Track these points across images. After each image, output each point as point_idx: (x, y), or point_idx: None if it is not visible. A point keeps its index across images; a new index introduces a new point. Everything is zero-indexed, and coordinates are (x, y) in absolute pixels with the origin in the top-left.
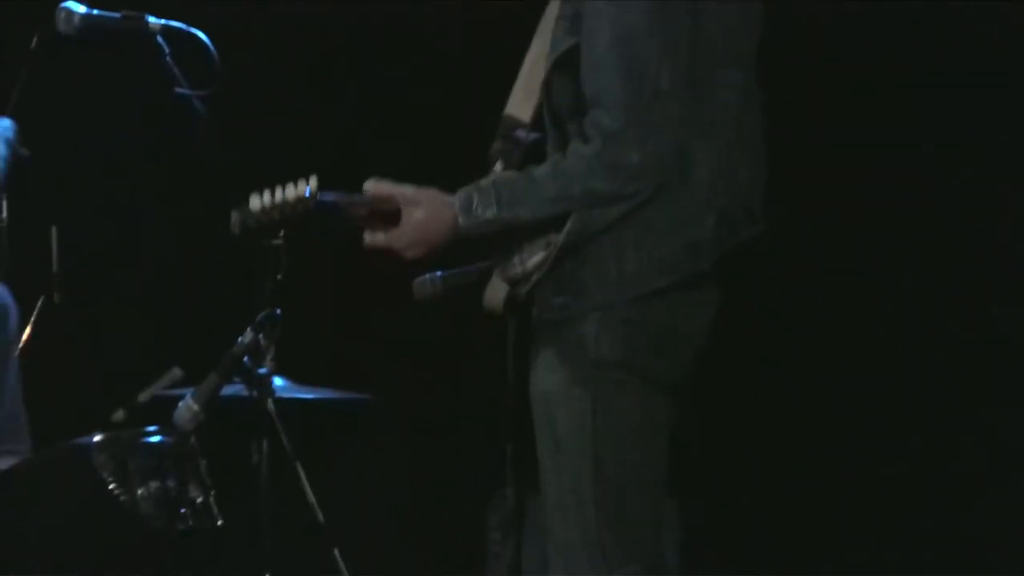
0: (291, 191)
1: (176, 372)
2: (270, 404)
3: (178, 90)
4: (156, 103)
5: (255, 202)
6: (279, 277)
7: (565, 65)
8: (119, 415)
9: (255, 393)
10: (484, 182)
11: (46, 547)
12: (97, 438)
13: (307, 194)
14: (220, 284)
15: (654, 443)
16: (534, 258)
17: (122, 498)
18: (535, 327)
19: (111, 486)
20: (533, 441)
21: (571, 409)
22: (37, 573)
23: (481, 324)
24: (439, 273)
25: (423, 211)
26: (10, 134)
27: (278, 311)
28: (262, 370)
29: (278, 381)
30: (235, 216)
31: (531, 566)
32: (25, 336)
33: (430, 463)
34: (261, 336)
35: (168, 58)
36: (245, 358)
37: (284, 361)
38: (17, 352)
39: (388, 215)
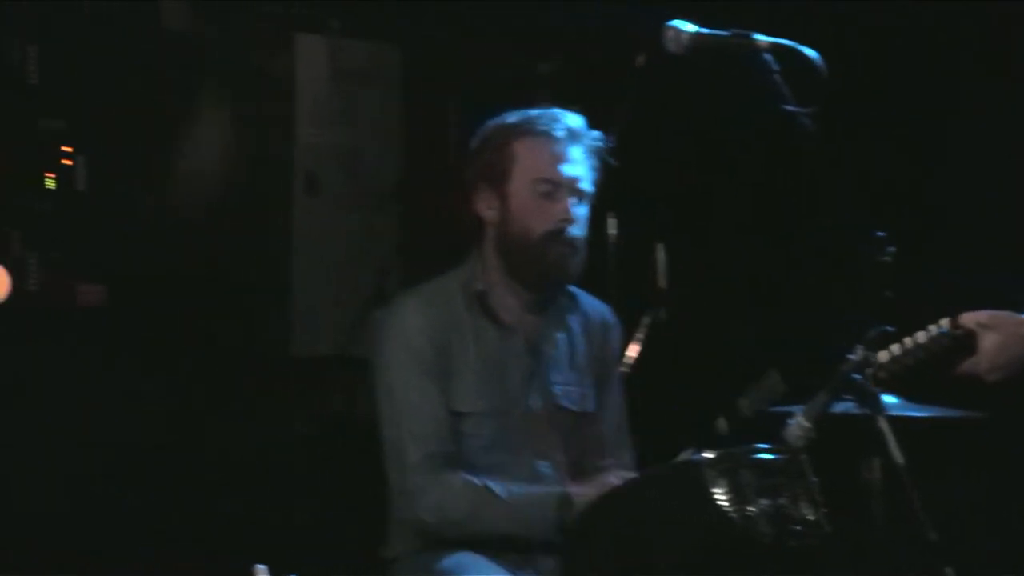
0: (923, 335)
1: (774, 377)
2: (881, 421)
3: (786, 107)
4: (762, 120)
5: (883, 355)
6: (889, 294)
7: None
8: (721, 424)
9: (866, 410)
10: None
11: (659, 563)
12: (709, 455)
13: (944, 331)
14: (823, 298)
15: None
16: None
17: (734, 515)
18: None
19: (723, 503)
20: None
21: None
22: None
23: None
24: None
25: (999, 335)
26: (599, 143)
27: (890, 328)
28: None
29: (889, 398)
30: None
31: None
32: (634, 352)
33: None
34: (872, 353)
35: (777, 75)
36: (855, 375)
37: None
38: (621, 368)
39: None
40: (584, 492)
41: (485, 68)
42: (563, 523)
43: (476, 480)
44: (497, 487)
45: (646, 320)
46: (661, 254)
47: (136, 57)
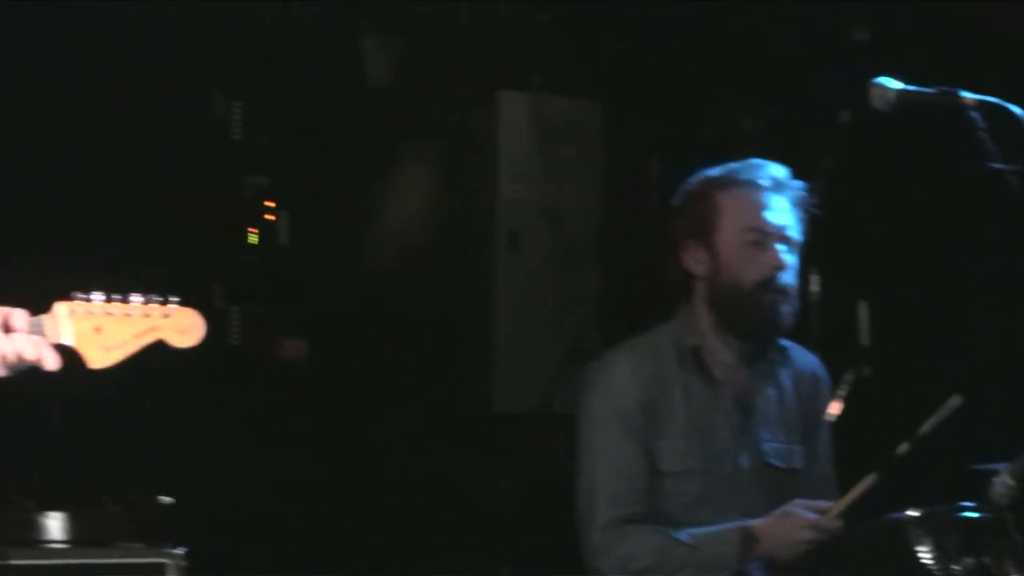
0: None
1: (955, 401)
2: None
3: (992, 164)
4: (968, 177)
5: None
6: None
7: None
8: (903, 448)
9: None
10: None
11: None
12: (914, 513)
13: None
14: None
15: None
16: None
17: (938, 573)
18: None
19: (927, 561)
20: None
21: None
22: None
23: None
24: None
25: None
26: (803, 194)
27: None
28: None
29: None
30: None
31: None
32: (837, 410)
33: None
34: None
35: (983, 132)
36: None
37: None
38: (829, 421)
39: None
40: (765, 523)
41: (686, 123)
42: (747, 557)
43: (656, 529)
44: (680, 533)
45: (849, 378)
46: (864, 311)
47: (339, 113)
